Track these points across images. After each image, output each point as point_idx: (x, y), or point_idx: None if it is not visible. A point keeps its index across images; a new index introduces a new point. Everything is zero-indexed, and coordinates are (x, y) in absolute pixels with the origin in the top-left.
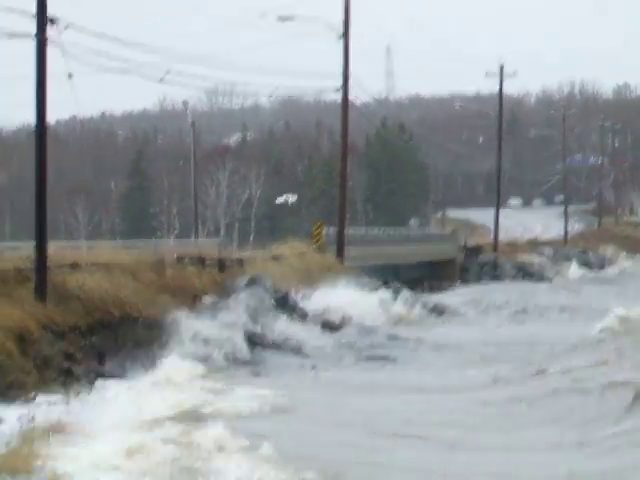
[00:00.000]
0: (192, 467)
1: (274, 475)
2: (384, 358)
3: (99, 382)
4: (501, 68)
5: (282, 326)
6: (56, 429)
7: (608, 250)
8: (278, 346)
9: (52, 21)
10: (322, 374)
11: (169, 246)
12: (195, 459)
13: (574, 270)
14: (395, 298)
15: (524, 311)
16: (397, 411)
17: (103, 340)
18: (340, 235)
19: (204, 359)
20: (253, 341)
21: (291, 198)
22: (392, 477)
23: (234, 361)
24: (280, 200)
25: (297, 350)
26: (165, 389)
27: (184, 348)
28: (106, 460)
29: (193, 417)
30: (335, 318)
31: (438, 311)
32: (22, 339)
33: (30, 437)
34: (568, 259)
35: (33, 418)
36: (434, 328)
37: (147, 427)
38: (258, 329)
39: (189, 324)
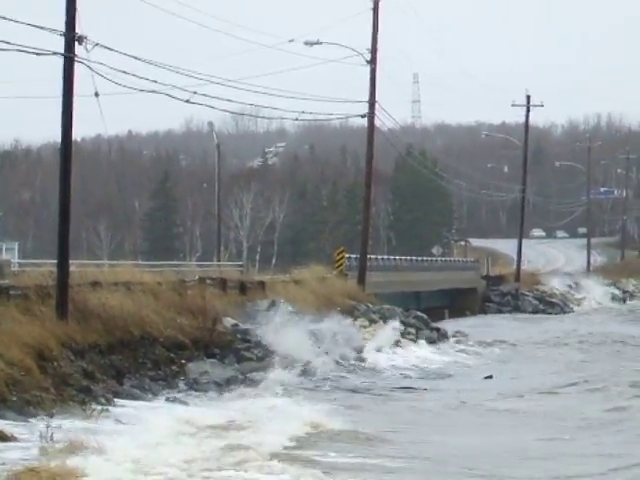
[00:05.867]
0: None
1: None
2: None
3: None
4: (528, 98)
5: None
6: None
7: (630, 283)
8: None
9: (80, 39)
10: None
11: (191, 267)
12: None
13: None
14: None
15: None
16: None
17: (123, 359)
18: (362, 261)
19: None
20: None
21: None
22: None
23: None
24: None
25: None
26: None
27: None
28: None
29: None
30: None
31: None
32: (41, 356)
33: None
34: (589, 292)
35: (52, 436)
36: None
37: None
38: None
39: None
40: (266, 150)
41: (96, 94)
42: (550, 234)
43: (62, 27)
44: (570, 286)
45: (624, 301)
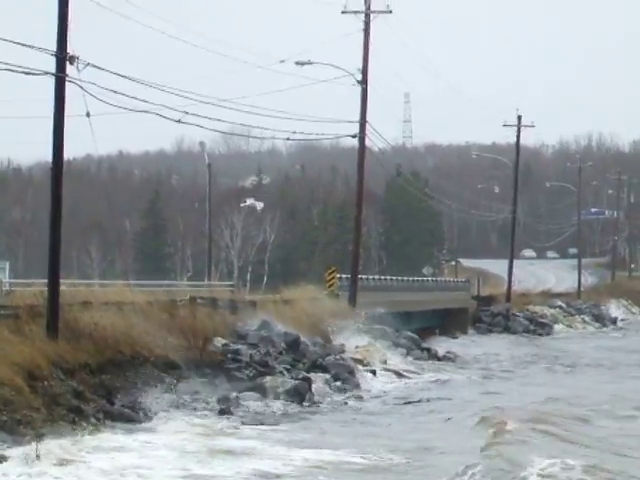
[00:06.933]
0: None
1: None
2: None
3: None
4: (519, 118)
5: None
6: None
7: (621, 304)
8: None
9: (72, 59)
10: None
11: (182, 287)
12: None
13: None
14: None
15: None
16: None
17: (113, 379)
18: (353, 281)
19: None
20: None
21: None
22: None
23: None
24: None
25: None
26: None
27: None
28: None
29: None
30: None
31: None
32: (32, 376)
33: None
34: (580, 312)
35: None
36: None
37: None
38: None
39: None
40: (248, 203)
41: (87, 114)
42: (541, 254)
43: (46, 45)
44: (561, 307)
45: (614, 322)
